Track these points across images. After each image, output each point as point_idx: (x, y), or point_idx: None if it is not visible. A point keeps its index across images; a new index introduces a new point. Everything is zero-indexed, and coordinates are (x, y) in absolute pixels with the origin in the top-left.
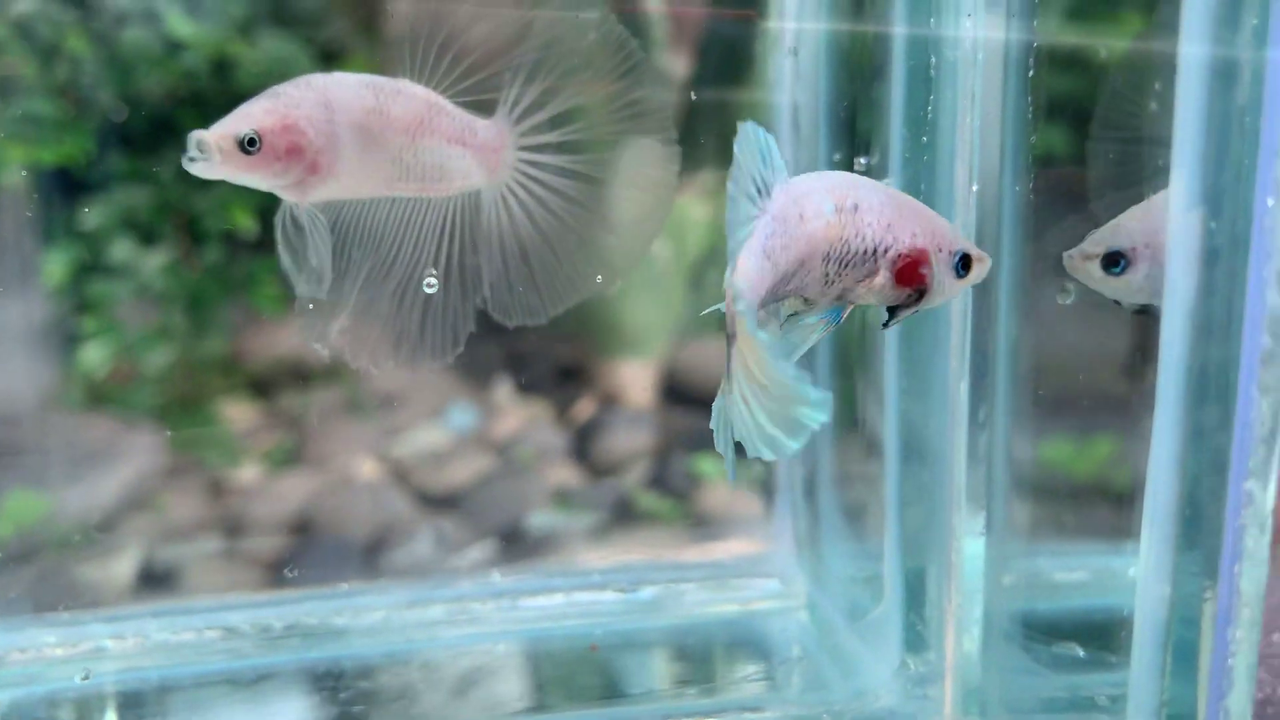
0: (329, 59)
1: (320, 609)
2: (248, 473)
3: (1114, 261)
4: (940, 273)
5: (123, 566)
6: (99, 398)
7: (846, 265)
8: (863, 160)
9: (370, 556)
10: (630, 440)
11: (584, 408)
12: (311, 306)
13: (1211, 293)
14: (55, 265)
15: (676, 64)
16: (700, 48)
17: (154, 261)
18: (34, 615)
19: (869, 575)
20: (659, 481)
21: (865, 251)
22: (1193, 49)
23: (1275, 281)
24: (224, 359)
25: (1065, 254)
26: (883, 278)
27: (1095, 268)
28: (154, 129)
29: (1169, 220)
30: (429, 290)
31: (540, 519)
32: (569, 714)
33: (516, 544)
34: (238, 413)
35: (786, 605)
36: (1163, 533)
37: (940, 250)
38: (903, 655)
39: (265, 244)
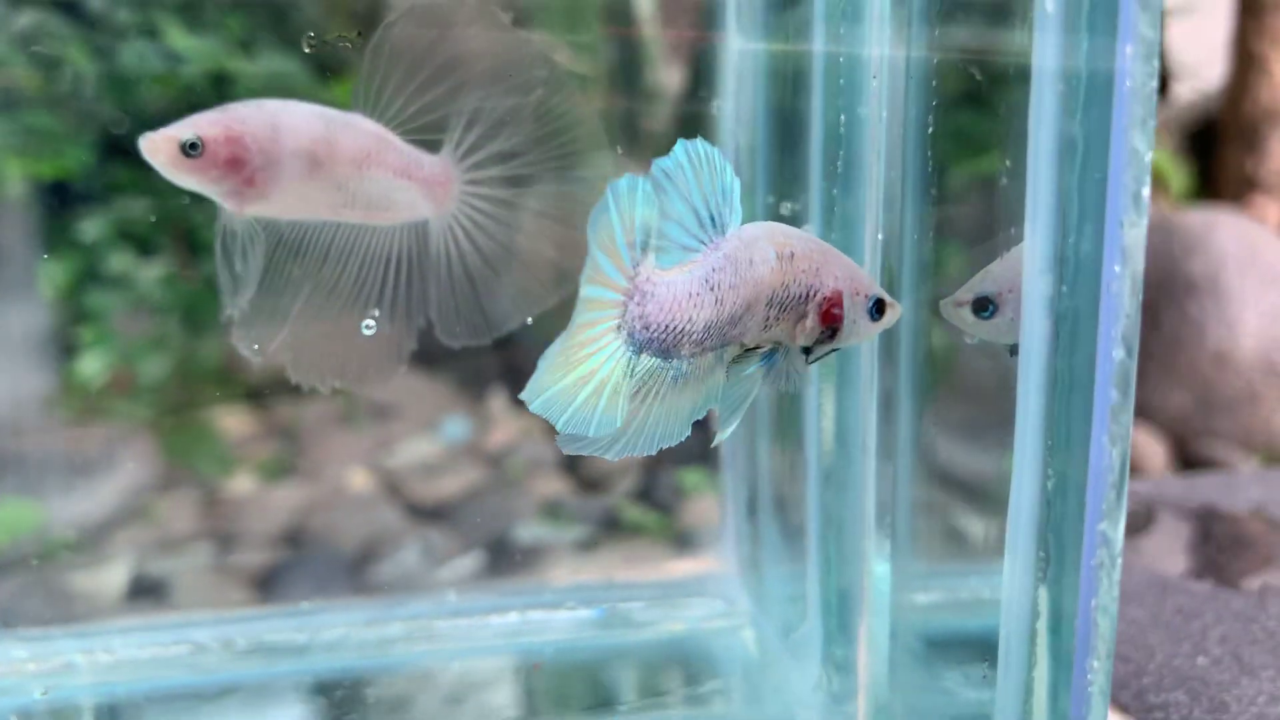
0: (326, 75)
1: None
2: (241, 483)
3: (983, 306)
4: (856, 314)
5: (114, 577)
6: (95, 407)
7: (785, 309)
8: (788, 205)
9: (357, 569)
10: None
11: None
12: (234, 314)
13: (1063, 350)
14: (54, 276)
15: (670, 79)
16: (694, 65)
17: (151, 273)
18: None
19: (799, 595)
20: (645, 495)
21: (800, 296)
22: (1042, 129)
23: (1121, 341)
24: (220, 370)
25: (941, 301)
26: (811, 320)
27: (967, 313)
28: None
29: (1024, 278)
30: (368, 331)
31: (527, 531)
32: None
33: (502, 556)
34: (233, 423)
35: (731, 624)
36: (1025, 564)
37: (857, 294)
38: (822, 673)
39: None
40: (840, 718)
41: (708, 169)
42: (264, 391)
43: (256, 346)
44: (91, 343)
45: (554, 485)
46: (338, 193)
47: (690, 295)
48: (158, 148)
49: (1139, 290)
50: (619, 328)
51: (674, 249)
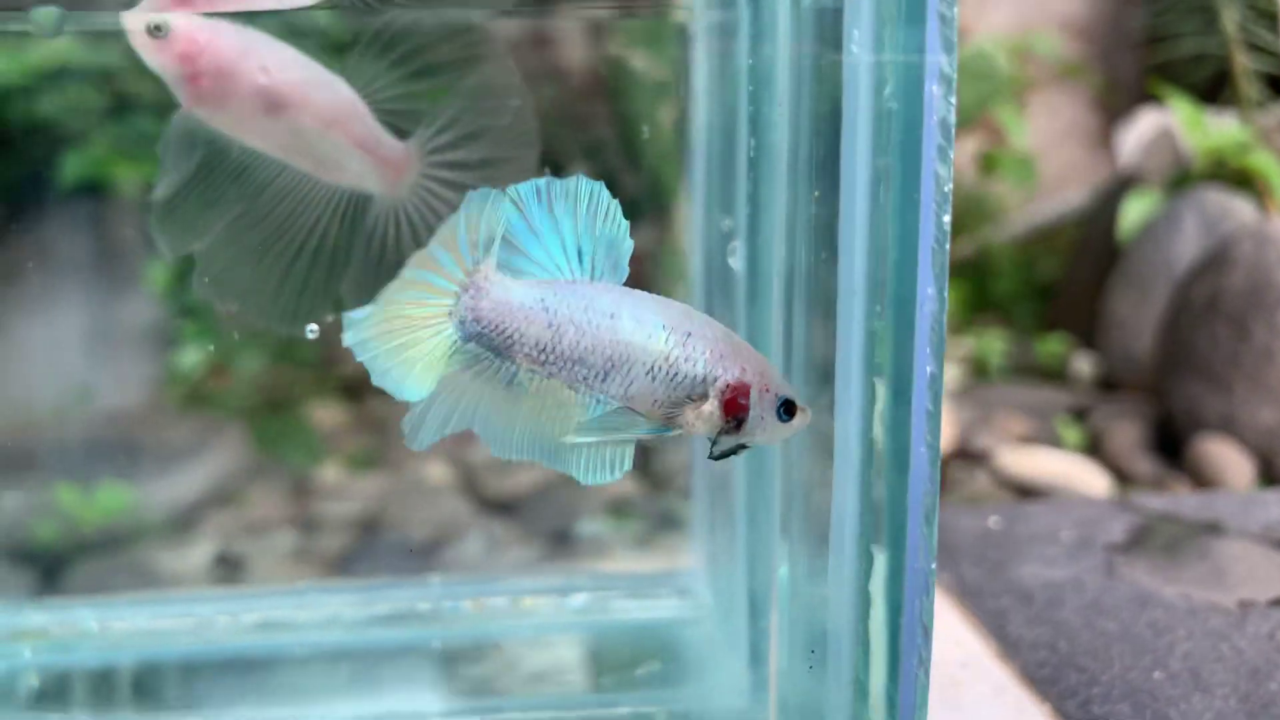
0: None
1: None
2: (327, 473)
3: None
4: (764, 411)
5: (197, 557)
6: (194, 398)
7: (675, 387)
8: (726, 222)
9: (425, 554)
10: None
11: None
12: (155, 199)
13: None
14: (159, 272)
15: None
16: None
17: None
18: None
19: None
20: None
21: (696, 378)
22: (857, 159)
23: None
24: (316, 364)
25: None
26: (711, 406)
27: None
28: None
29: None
30: (311, 337)
31: (589, 527)
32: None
33: (560, 548)
34: (326, 416)
35: (694, 616)
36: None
37: (766, 390)
38: (748, 665)
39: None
40: (760, 706)
41: (591, 211)
42: (359, 386)
43: (169, 244)
44: (192, 336)
45: (624, 484)
46: (293, 138)
47: (521, 306)
48: (133, 19)
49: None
50: (450, 314)
51: (530, 266)
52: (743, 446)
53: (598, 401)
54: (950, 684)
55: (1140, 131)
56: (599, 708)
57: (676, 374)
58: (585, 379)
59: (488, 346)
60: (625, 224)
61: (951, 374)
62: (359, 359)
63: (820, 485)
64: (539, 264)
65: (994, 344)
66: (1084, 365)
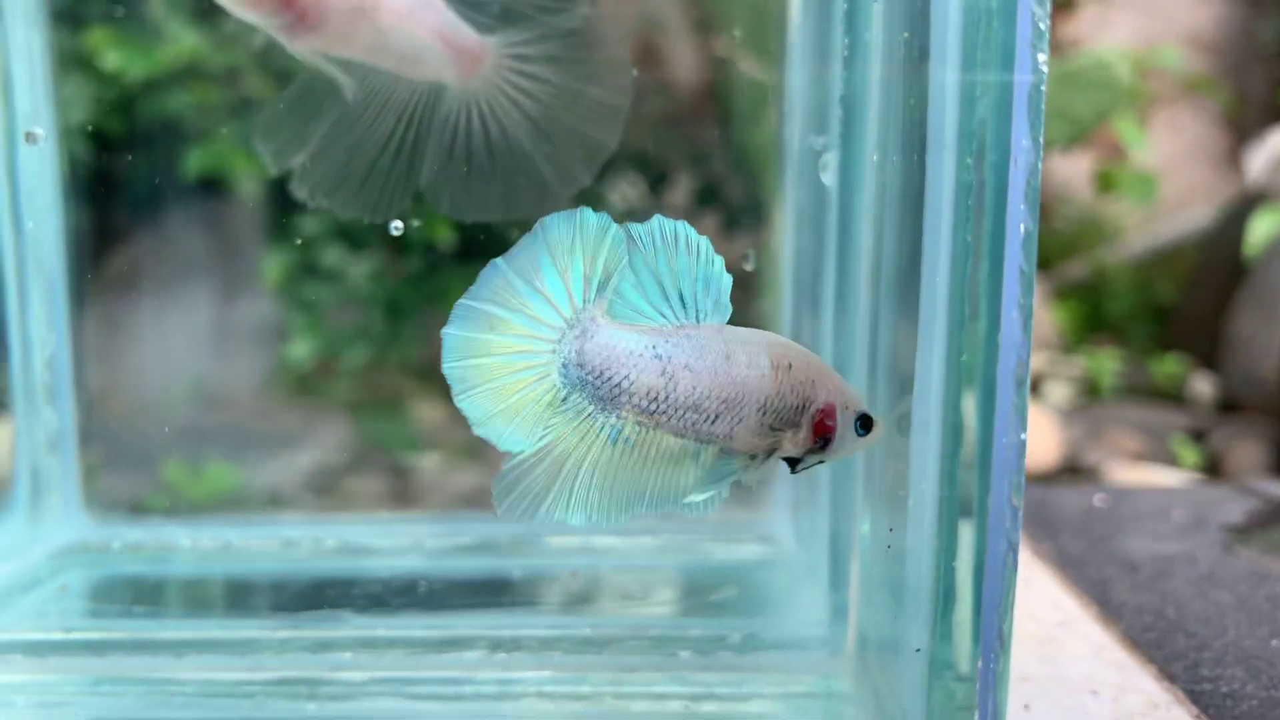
0: None
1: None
2: (426, 464)
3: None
4: (844, 429)
5: None
6: (301, 389)
7: (781, 418)
8: (820, 139)
9: None
10: None
11: None
12: (259, 132)
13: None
14: (274, 267)
15: None
16: None
17: (361, 268)
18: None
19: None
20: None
21: (796, 407)
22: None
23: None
24: (420, 362)
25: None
26: (805, 431)
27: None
28: None
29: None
30: (395, 233)
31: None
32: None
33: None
34: (427, 411)
35: (775, 556)
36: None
37: (846, 408)
38: (828, 597)
39: (464, 256)
40: (841, 630)
41: (685, 251)
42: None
43: (273, 157)
44: (303, 329)
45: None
46: (376, 36)
47: (630, 353)
48: None
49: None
50: (554, 352)
51: (627, 310)
52: (821, 461)
53: (701, 444)
54: (1048, 641)
55: (1271, 148)
56: (672, 629)
57: (783, 407)
58: (694, 424)
59: (592, 398)
60: (720, 259)
61: (1062, 393)
62: (456, 404)
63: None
64: (636, 309)
65: (1107, 363)
66: (1203, 386)
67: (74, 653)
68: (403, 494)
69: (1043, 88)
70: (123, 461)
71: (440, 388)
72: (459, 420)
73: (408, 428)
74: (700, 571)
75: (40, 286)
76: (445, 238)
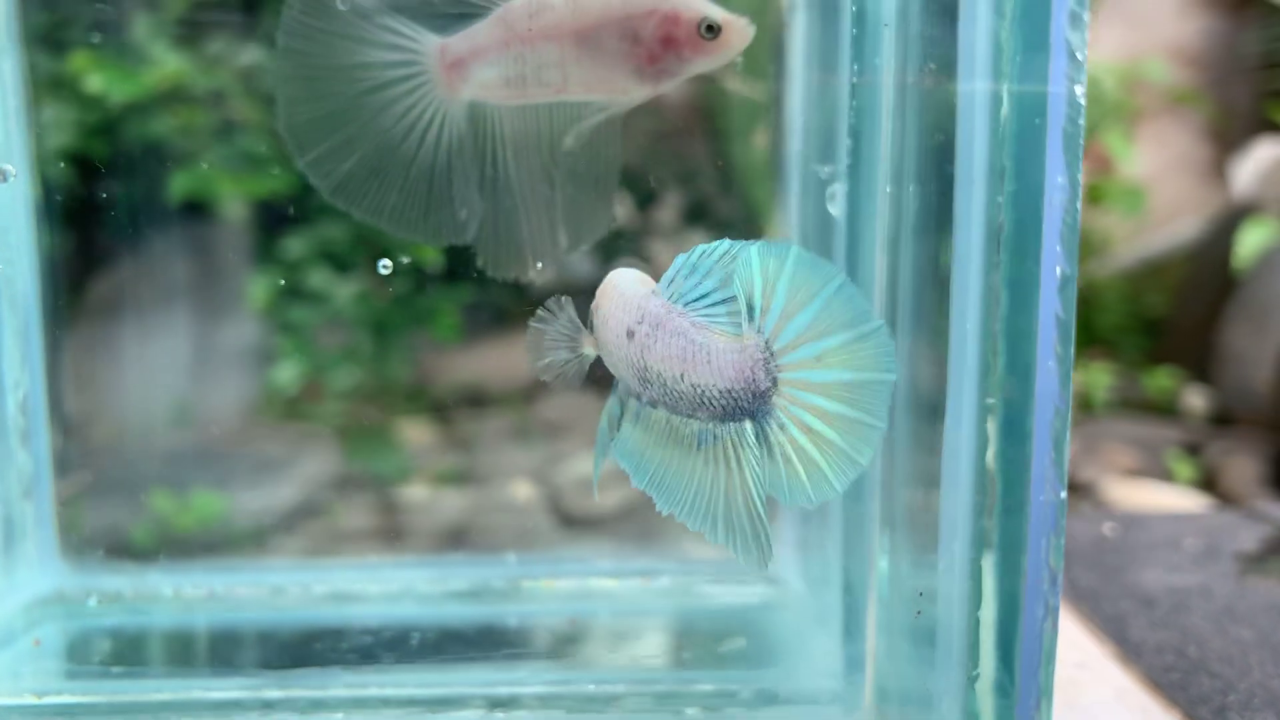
0: None
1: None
2: (415, 488)
3: None
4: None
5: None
6: (288, 413)
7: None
8: (826, 169)
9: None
10: None
11: None
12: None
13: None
14: (259, 290)
15: None
16: None
17: (346, 290)
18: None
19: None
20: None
21: None
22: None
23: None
24: (407, 384)
25: None
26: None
27: None
28: None
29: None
30: (384, 271)
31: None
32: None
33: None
34: (416, 434)
35: (782, 599)
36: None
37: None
38: (842, 646)
39: (449, 277)
40: (854, 685)
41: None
42: (448, 405)
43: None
44: (289, 353)
45: None
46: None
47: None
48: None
49: None
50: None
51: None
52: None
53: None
54: (1069, 684)
55: (1258, 160)
56: (678, 684)
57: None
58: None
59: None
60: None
61: None
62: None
63: (927, 451)
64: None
65: (1099, 377)
66: (1196, 399)
67: (48, 718)
68: (389, 515)
69: (1080, 121)
70: (107, 492)
71: (431, 411)
72: (449, 444)
73: (396, 452)
74: (703, 617)
75: (14, 326)
76: (431, 259)
